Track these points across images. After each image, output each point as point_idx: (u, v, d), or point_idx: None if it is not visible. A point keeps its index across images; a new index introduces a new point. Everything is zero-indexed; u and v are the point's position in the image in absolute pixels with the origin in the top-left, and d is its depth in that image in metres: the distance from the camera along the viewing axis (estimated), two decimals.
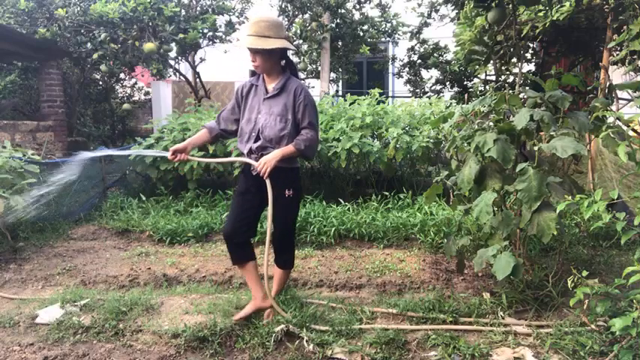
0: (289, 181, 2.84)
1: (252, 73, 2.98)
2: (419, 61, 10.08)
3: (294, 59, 10.00)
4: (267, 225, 2.81)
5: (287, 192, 2.82)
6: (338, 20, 9.41)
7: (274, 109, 2.80)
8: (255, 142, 2.81)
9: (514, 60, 6.54)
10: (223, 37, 8.40)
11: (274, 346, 2.65)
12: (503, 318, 2.92)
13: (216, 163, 3.06)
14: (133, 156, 5.72)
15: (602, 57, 4.86)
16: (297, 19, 9.01)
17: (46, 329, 2.94)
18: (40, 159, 4.99)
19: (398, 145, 5.22)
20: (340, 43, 9.91)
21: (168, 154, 2.84)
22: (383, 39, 10.57)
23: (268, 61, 2.77)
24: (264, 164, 2.67)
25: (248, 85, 2.95)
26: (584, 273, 2.48)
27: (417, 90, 10.18)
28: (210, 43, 8.30)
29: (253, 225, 2.93)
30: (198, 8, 8.07)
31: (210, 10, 8.03)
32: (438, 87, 9.65)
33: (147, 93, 10.94)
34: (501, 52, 5.97)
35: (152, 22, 7.23)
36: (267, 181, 2.70)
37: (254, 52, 2.73)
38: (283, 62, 2.88)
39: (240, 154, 2.94)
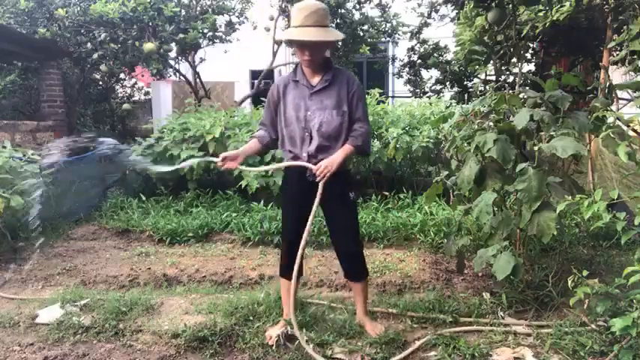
0: (349, 183, 2.70)
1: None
2: (419, 61, 10.06)
3: (294, 59, 9.99)
4: (306, 231, 2.58)
5: (351, 194, 2.66)
6: (338, 20, 9.40)
7: (327, 102, 2.56)
8: (310, 143, 2.58)
9: (514, 60, 6.54)
10: (223, 37, 8.39)
11: (275, 346, 2.64)
12: (503, 318, 2.92)
13: (270, 170, 2.85)
14: (136, 153, 5.72)
15: (602, 57, 4.85)
16: None
17: (46, 329, 2.94)
18: (40, 159, 4.99)
19: (398, 145, 5.22)
20: (340, 43, 9.90)
21: (218, 160, 2.63)
22: (383, 39, 10.55)
23: (323, 53, 2.55)
24: (325, 167, 2.46)
25: (283, 82, 2.69)
26: (585, 273, 2.48)
27: (417, 90, 10.16)
28: (210, 43, 8.30)
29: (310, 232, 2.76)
30: (198, 8, 8.07)
31: (210, 10, 8.03)
32: (438, 87, 9.63)
33: (147, 93, 10.93)
34: (501, 52, 5.97)
35: (152, 22, 7.23)
36: (321, 185, 2.50)
37: (317, 45, 2.48)
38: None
39: (294, 158, 2.66)
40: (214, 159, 2.71)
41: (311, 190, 2.54)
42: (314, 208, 2.55)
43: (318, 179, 2.50)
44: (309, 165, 2.54)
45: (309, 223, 2.57)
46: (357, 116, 2.61)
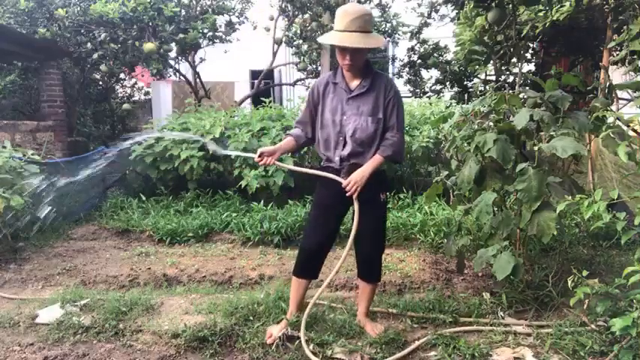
0: (382, 184, 2.68)
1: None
2: (419, 61, 10.06)
3: (294, 59, 10.00)
4: (348, 244, 2.60)
5: (381, 195, 2.65)
6: None
7: (363, 108, 2.55)
8: (343, 148, 2.59)
9: (514, 60, 6.54)
10: (223, 37, 8.40)
11: (274, 346, 2.64)
12: (503, 318, 2.92)
13: (304, 172, 2.83)
14: (136, 153, 5.73)
15: (602, 57, 4.85)
16: (297, 19, 9.00)
17: (46, 329, 2.94)
18: (40, 159, 4.99)
19: None
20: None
21: (255, 156, 2.63)
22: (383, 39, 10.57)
23: (364, 58, 2.53)
24: (355, 182, 2.47)
25: (324, 83, 2.68)
26: (584, 273, 2.48)
27: (417, 90, 10.16)
28: (210, 43, 8.30)
29: (335, 238, 2.76)
30: (198, 8, 8.07)
31: (210, 10, 8.03)
32: (438, 87, 9.63)
33: (147, 93, 10.93)
34: (501, 52, 5.97)
35: (152, 22, 7.24)
36: (356, 203, 2.53)
37: (357, 50, 2.47)
38: None
39: (327, 161, 2.69)
40: (252, 154, 2.71)
41: (342, 195, 2.55)
42: (354, 224, 2.56)
43: (348, 194, 2.51)
44: (340, 179, 2.55)
45: (350, 239, 2.59)
46: (390, 124, 2.59)
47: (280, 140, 5.49)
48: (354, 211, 2.59)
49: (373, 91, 2.57)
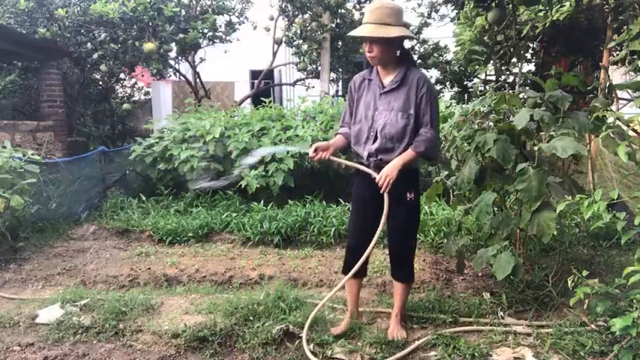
0: (410, 183, 2.64)
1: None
2: (419, 61, 10.07)
3: (294, 59, 10.00)
4: (373, 240, 2.60)
5: (409, 195, 2.63)
6: (338, 20, 9.41)
7: (394, 104, 2.57)
8: (373, 142, 2.60)
9: (514, 60, 6.55)
10: (223, 37, 8.40)
11: (274, 346, 2.64)
12: (503, 318, 2.92)
13: (345, 164, 2.81)
14: (136, 153, 5.72)
15: (602, 57, 4.86)
16: (297, 19, 9.01)
17: (46, 329, 2.94)
18: (40, 159, 4.99)
19: None
20: (340, 43, 9.91)
21: (310, 151, 2.63)
22: None
23: (387, 51, 2.54)
24: (386, 177, 2.48)
25: (359, 79, 2.73)
26: (584, 273, 2.48)
27: None
28: (210, 43, 8.30)
29: (375, 233, 2.68)
30: (198, 8, 8.07)
31: (210, 10, 8.03)
32: (438, 87, 9.65)
33: (147, 93, 10.94)
34: (501, 52, 5.97)
35: (152, 22, 7.24)
36: (386, 196, 2.52)
37: (372, 41, 2.51)
38: (398, 52, 2.63)
39: (357, 157, 2.71)
40: (307, 149, 2.71)
41: (375, 188, 2.55)
42: (382, 219, 2.55)
43: (382, 190, 2.51)
44: (374, 173, 2.56)
45: (378, 231, 2.58)
46: (423, 120, 2.58)
47: (280, 140, 5.52)
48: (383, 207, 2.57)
49: (405, 87, 2.58)
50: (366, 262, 2.75)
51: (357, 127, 2.68)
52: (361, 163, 2.67)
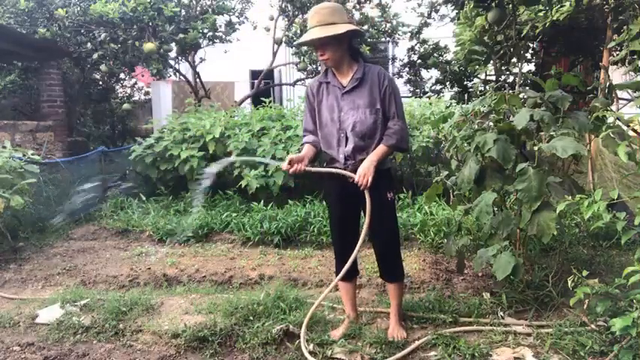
0: (389, 183, 2.66)
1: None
2: (419, 61, 10.07)
3: (294, 59, 9.99)
4: (360, 240, 2.61)
5: (389, 195, 2.63)
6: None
7: (359, 101, 2.56)
8: (346, 144, 2.58)
9: (514, 60, 6.54)
10: (223, 37, 8.40)
11: (274, 346, 2.64)
12: (503, 318, 2.92)
13: (319, 173, 2.76)
14: (136, 153, 5.73)
15: (602, 57, 4.85)
16: (297, 19, 9.01)
17: (46, 329, 2.94)
18: (40, 159, 5.00)
19: None
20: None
21: (284, 165, 2.55)
22: (383, 39, 10.56)
23: (339, 50, 2.53)
24: (364, 176, 2.45)
25: (316, 84, 2.71)
26: (584, 273, 2.48)
27: (417, 90, 10.17)
28: (210, 43, 8.30)
29: (358, 232, 2.68)
30: (198, 8, 8.08)
31: (210, 10, 8.04)
32: (438, 87, 9.64)
33: (147, 93, 10.94)
34: (501, 52, 5.97)
35: (152, 22, 7.24)
36: (367, 193, 2.49)
37: (322, 43, 2.49)
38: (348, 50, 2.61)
39: (331, 161, 2.68)
40: (280, 163, 2.65)
41: (355, 189, 2.52)
42: (367, 217, 2.53)
43: (362, 188, 2.49)
44: (351, 175, 2.53)
45: (365, 229, 2.56)
46: (390, 113, 2.59)
47: (280, 140, 5.52)
48: (365, 207, 2.56)
49: (367, 83, 2.58)
50: (356, 262, 2.75)
51: (325, 130, 2.66)
52: (336, 167, 2.64)
